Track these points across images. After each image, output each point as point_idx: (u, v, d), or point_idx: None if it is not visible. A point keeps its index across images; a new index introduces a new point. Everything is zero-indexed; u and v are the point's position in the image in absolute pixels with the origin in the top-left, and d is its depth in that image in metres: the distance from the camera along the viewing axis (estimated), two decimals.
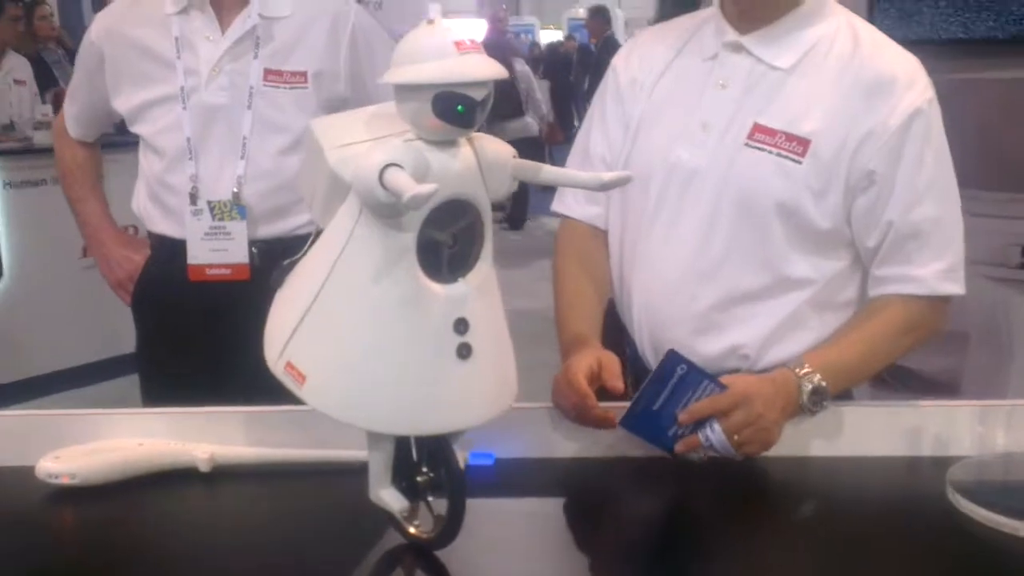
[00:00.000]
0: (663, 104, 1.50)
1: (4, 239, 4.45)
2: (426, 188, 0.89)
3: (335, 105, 1.87)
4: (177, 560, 1.15)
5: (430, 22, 0.97)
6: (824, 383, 1.34)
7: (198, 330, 1.93)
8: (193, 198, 1.87)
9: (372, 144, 0.99)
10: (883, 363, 1.44)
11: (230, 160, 1.87)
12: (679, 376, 1.30)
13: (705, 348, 1.45)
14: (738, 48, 1.45)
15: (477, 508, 1.26)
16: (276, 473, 1.34)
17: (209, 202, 1.87)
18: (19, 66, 5.31)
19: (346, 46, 1.94)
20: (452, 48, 0.95)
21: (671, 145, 1.46)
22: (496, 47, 8.24)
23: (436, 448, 1.09)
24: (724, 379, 1.33)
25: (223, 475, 1.33)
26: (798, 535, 1.22)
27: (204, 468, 1.32)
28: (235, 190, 1.86)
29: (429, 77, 0.94)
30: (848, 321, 1.46)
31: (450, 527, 1.08)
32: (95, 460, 1.29)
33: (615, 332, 1.56)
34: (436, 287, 1.00)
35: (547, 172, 1.04)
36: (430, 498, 1.12)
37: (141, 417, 1.39)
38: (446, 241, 1.02)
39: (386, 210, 0.96)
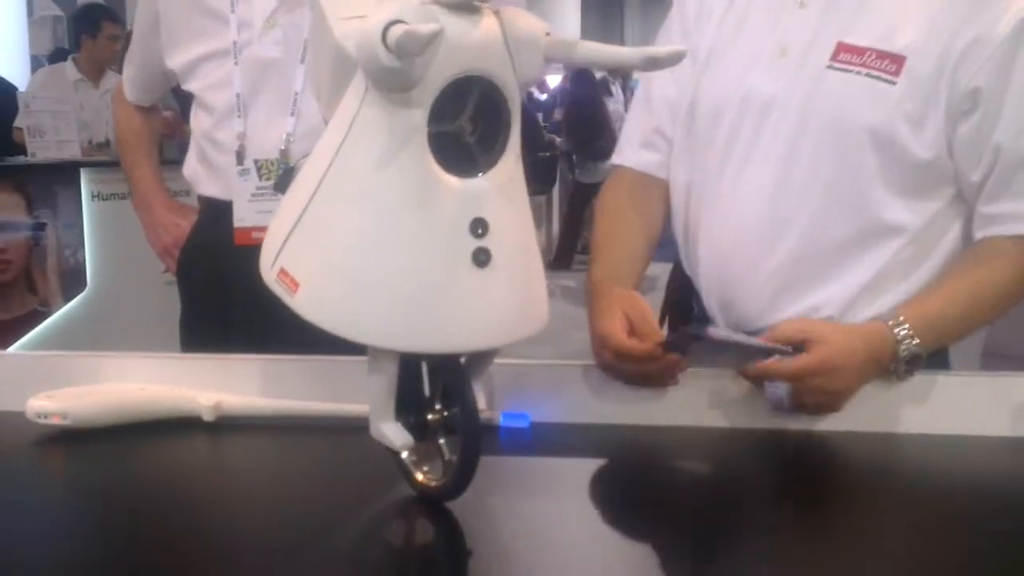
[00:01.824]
0: (735, 30, 1.34)
1: (89, 251, 4.47)
2: (425, 27, 0.75)
3: None
4: (172, 513, 1.01)
5: None
6: (920, 349, 1.16)
7: (243, 299, 1.82)
8: (240, 157, 1.77)
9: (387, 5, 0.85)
10: (991, 316, 1.24)
11: (279, 117, 1.77)
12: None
13: (781, 309, 1.27)
14: None
15: (506, 466, 1.12)
16: (285, 426, 1.20)
17: (256, 161, 1.77)
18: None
19: None
20: None
21: (745, 74, 1.30)
22: (586, 85, 8.16)
23: (450, 379, 0.93)
24: (813, 332, 1.16)
25: (229, 425, 1.20)
26: (871, 520, 1.01)
27: (208, 417, 1.20)
28: (282, 148, 1.76)
29: None
30: (951, 267, 1.26)
31: (460, 474, 0.92)
32: (90, 401, 1.18)
33: (683, 290, 1.38)
34: (451, 179, 0.85)
35: (584, 49, 0.89)
36: (442, 440, 0.96)
37: (147, 360, 1.27)
38: (464, 126, 0.87)
39: (393, 80, 0.82)
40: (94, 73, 5.24)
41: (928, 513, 1.02)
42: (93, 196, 4.47)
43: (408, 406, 0.95)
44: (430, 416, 0.96)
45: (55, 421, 1.15)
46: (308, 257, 0.89)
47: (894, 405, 1.20)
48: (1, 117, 5.03)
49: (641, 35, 13.65)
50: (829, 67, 1.24)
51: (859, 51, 1.23)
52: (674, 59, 0.86)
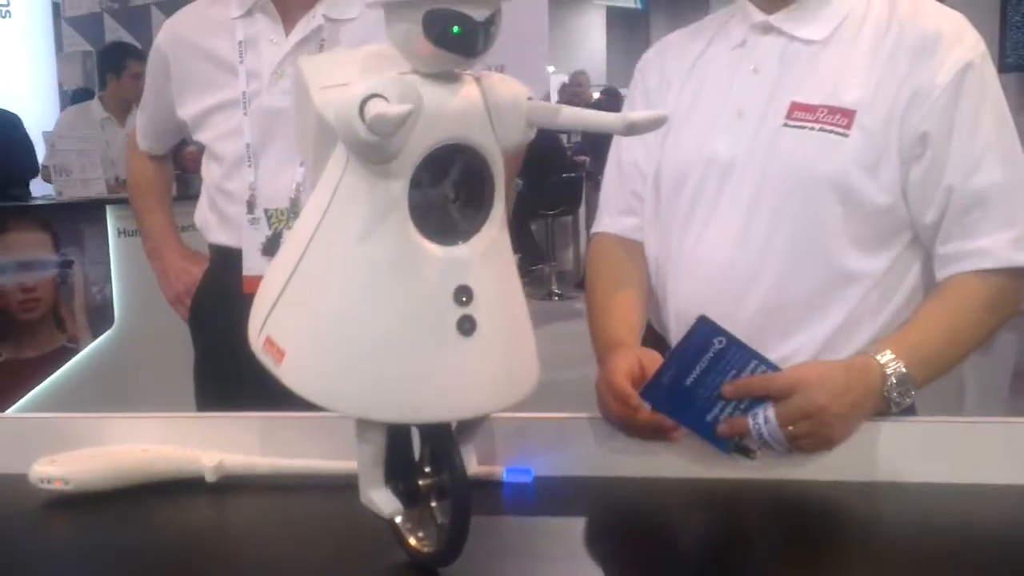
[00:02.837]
0: (694, 99, 1.38)
1: (116, 287, 4.51)
2: (396, 109, 0.75)
3: None
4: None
5: None
6: (907, 371, 1.16)
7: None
8: (250, 206, 1.78)
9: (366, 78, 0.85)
10: (969, 347, 1.25)
11: (289, 166, 1.78)
12: (716, 350, 1.12)
13: None
14: (767, 28, 1.33)
15: (508, 526, 1.11)
16: (288, 485, 1.20)
17: (266, 210, 1.78)
18: None
19: None
20: None
21: (705, 137, 1.34)
22: (611, 104, 8.14)
23: (439, 444, 0.92)
24: (790, 367, 1.15)
25: (231, 485, 1.20)
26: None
27: (211, 477, 1.19)
28: (292, 197, 1.76)
29: None
30: (922, 305, 1.28)
31: (452, 541, 0.91)
32: (93, 465, 1.18)
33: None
34: (433, 248, 0.85)
35: (567, 114, 0.89)
36: (434, 504, 0.95)
37: (147, 421, 1.27)
38: (446, 193, 0.87)
39: (371, 153, 0.82)
40: (120, 111, 5.31)
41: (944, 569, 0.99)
42: (119, 233, 4.50)
43: (398, 471, 0.94)
44: (421, 481, 0.95)
45: (57, 487, 1.15)
46: (293, 326, 0.89)
47: (895, 451, 1.17)
48: (5, 151, 5.10)
49: None
50: (785, 125, 1.28)
51: (811, 108, 1.27)
52: (653, 124, 0.85)
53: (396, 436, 0.92)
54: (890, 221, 1.27)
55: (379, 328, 0.85)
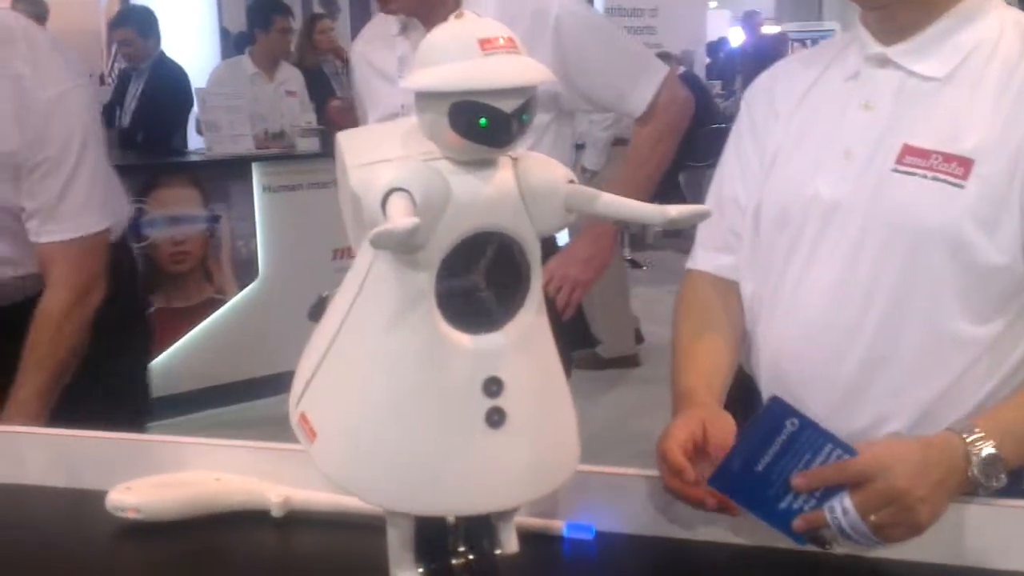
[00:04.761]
0: (801, 133, 1.27)
1: (261, 241, 4.65)
2: (401, 224, 0.71)
3: (545, 103, 1.86)
4: None
5: (458, 16, 0.80)
6: (998, 451, 1.05)
7: None
8: None
9: (394, 163, 0.82)
10: None
11: None
12: (789, 432, 1.04)
13: (844, 422, 1.17)
14: (883, 62, 1.21)
15: None
16: (351, 523, 1.20)
17: None
18: (292, 78, 5.51)
19: (550, 41, 1.88)
20: (475, 47, 0.77)
21: (809, 177, 1.23)
22: (770, 47, 7.83)
23: (471, 524, 0.90)
24: (862, 443, 1.06)
25: (296, 521, 1.21)
26: None
27: (276, 513, 1.21)
28: None
29: (441, 82, 0.77)
30: None
31: None
32: (164, 494, 1.21)
33: (745, 401, 1.30)
34: (462, 339, 0.82)
35: (605, 202, 0.83)
36: None
37: (221, 449, 1.29)
38: (477, 281, 0.83)
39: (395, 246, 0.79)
40: (268, 66, 5.43)
41: None
42: (264, 189, 4.64)
43: (431, 551, 0.92)
44: (454, 561, 0.93)
45: (130, 516, 1.19)
46: (325, 409, 0.88)
47: (986, 537, 1.08)
48: (174, 111, 5.27)
49: (840, 5, 12.87)
50: (894, 170, 1.17)
51: (925, 153, 1.16)
52: (694, 219, 0.79)
53: (427, 519, 0.90)
54: (1006, 282, 1.15)
55: (406, 420, 0.83)
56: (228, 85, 5.22)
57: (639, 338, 5.14)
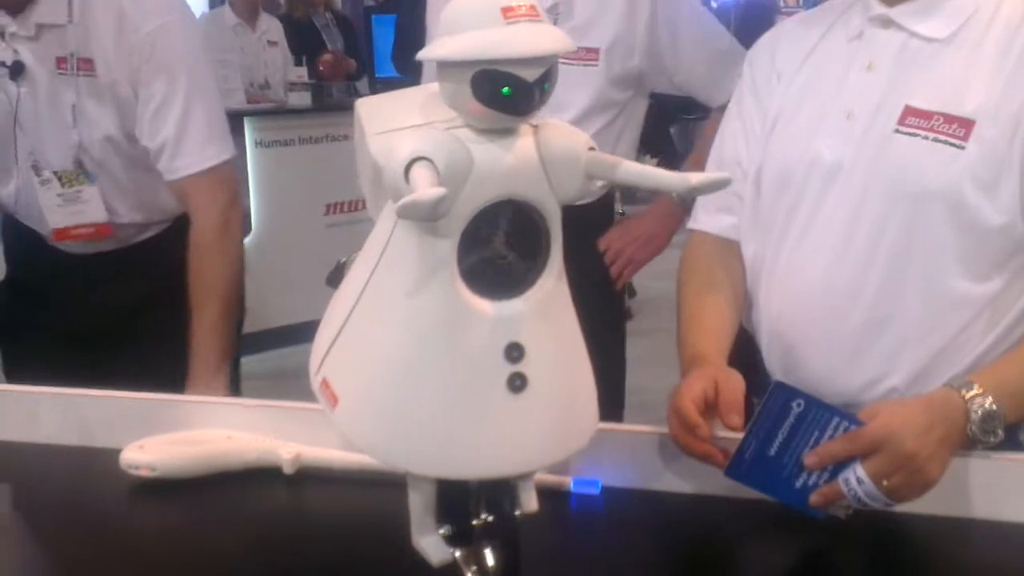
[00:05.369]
0: (802, 95, 1.29)
1: (253, 196, 4.64)
2: (427, 194, 0.72)
3: (629, 81, 1.93)
4: (241, 565, 1.07)
5: None
6: (996, 407, 1.07)
7: None
8: None
9: (415, 131, 0.83)
10: None
11: None
12: (796, 414, 1.06)
13: (844, 380, 1.21)
14: (886, 22, 1.22)
15: (575, 541, 1.10)
16: (362, 480, 1.22)
17: None
18: (273, 28, 5.48)
19: (646, 19, 1.91)
20: (497, 15, 0.77)
21: (811, 139, 1.24)
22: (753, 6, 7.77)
23: (491, 487, 0.92)
24: (865, 411, 1.08)
25: (307, 478, 1.23)
26: None
27: (288, 470, 1.23)
28: None
29: (463, 51, 0.77)
30: None
31: None
32: (177, 452, 1.23)
33: (746, 358, 1.32)
34: (483, 305, 0.83)
35: (627, 169, 0.84)
36: (488, 549, 0.95)
37: (238, 408, 1.31)
38: (498, 249, 0.84)
39: (418, 215, 0.80)
40: (249, 16, 5.39)
41: None
42: (256, 144, 4.62)
43: (452, 513, 0.94)
44: (475, 522, 0.95)
45: (143, 474, 1.21)
46: (347, 374, 0.88)
47: (988, 489, 1.11)
48: None
49: None
50: (896, 131, 1.18)
51: (926, 115, 1.17)
52: (715, 187, 0.80)
53: (448, 482, 0.91)
54: (1005, 242, 1.17)
55: (428, 385, 0.84)
56: (212, 38, 5.16)
57: (631, 291, 5.16)
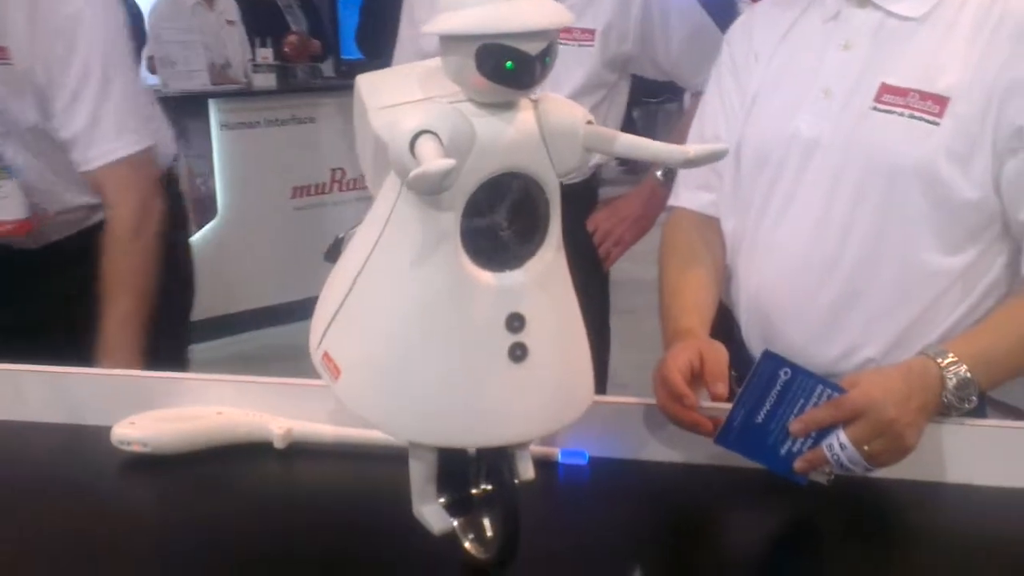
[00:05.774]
0: (781, 72, 1.32)
1: (219, 179, 4.62)
2: (437, 165, 0.74)
3: (617, 64, 1.97)
4: (234, 538, 1.08)
5: None
6: (971, 374, 1.12)
7: None
8: None
9: (418, 105, 0.84)
10: None
11: None
12: (782, 382, 1.10)
13: (821, 351, 1.25)
14: (862, 2, 1.26)
15: (563, 511, 1.13)
16: (354, 454, 1.24)
17: None
18: (230, 8, 5.41)
19: (639, 4, 1.95)
20: None
21: (789, 116, 1.28)
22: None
23: (491, 457, 0.94)
24: (847, 379, 1.12)
25: (298, 452, 1.25)
26: None
27: (279, 444, 1.24)
28: None
29: (468, 25, 0.78)
30: (1001, 303, 1.24)
31: (502, 552, 0.94)
32: (168, 428, 1.24)
33: (724, 331, 1.35)
34: (485, 276, 0.85)
35: (624, 142, 0.86)
36: (486, 518, 0.97)
37: (223, 384, 1.32)
38: (499, 221, 0.86)
39: (422, 188, 0.82)
40: None
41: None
42: (222, 126, 4.59)
43: (452, 483, 0.96)
44: (473, 491, 0.98)
45: (135, 449, 1.22)
46: (349, 346, 0.90)
47: (964, 454, 1.16)
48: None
49: None
50: (873, 108, 1.22)
51: (902, 92, 1.21)
52: (712, 158, 0.82)
53: (449, 452, 0.94)
54: (978, 216, 1.21)
55: (431, 355, 0.86)
56: (173, 18, 5.10)
57: None
